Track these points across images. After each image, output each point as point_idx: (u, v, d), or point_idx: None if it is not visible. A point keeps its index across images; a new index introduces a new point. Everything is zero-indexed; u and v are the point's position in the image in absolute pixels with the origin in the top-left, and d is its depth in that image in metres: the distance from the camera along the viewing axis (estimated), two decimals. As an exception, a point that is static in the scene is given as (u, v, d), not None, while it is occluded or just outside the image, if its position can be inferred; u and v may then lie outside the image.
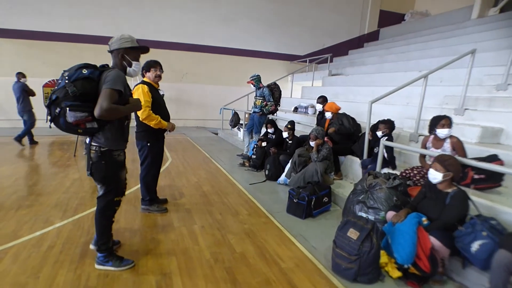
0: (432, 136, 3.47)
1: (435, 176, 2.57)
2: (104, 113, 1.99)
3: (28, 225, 3.07)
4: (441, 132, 3.28)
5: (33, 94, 6.93)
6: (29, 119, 6.83)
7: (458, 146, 3.23)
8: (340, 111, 5.16)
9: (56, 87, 2.05)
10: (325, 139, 4.77)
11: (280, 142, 5.61)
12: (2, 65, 8.95)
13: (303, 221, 3.52)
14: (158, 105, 3.31)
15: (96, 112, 1.99)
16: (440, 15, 10.62)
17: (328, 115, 5.10)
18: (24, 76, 6.81)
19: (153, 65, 3.30)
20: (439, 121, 3.30)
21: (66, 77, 2.02)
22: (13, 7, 8.88)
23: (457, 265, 2.46)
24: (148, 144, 3.36)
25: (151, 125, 3.22)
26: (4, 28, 8.95)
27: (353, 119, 5.03)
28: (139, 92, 3.12)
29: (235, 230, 3.24)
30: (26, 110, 6.75)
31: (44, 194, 3.97)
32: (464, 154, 3.16)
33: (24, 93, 6.69)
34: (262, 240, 3.04)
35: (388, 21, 13.14)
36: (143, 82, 3.27)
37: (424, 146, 3.55)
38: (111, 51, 2.31)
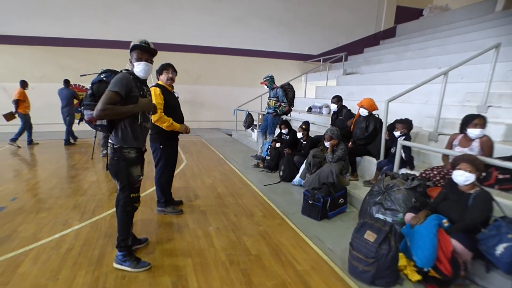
0: (461, 135, 3.29)
1: (467, 178, 2.43)
2: (99, 112, 2.17)
3: (47, 228, 3.15)
4: (473, 132, 3.09)
5: (79, 99, 7.72)
6: (72, 120, 7.76)
7: (487, 145, 3.05)
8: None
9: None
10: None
11: (294, 143, 5.56)
12: (22, 71, 9.18)
13: (318, 223, 3.47)
14: (172, 107, 3.33)
15: (94, 112, 2.19)
16: (461, 8, 10.22)
17: (362, 112, 4.72)
18: (70, 83, 7.78)
19: (166, 67, 3.33)
20: (472, 120, 3.10)
21: (91, 82, 2.34)
22: (30, 14, 9.15)
23: (480, 269, 2.37)
24: (161, 146, 3.40)
25: (163, 127, 3.25)
26: (22, 35, 9.24)
27: (381, 123, 4.56)
28: (151, 95, 3.14)
29: (250, 231, 3.23)
30: (70, 113, 7.68)
31: (62, 197, 4.07)
32: (491, 154, 3.02)
33: (72, 99, 7.68)
34: (277, 242, 3.01)
35: (406, 17, 12.76)
36: (157, 85, 3.30)
37: (450, 144, 3.38)
38: None
